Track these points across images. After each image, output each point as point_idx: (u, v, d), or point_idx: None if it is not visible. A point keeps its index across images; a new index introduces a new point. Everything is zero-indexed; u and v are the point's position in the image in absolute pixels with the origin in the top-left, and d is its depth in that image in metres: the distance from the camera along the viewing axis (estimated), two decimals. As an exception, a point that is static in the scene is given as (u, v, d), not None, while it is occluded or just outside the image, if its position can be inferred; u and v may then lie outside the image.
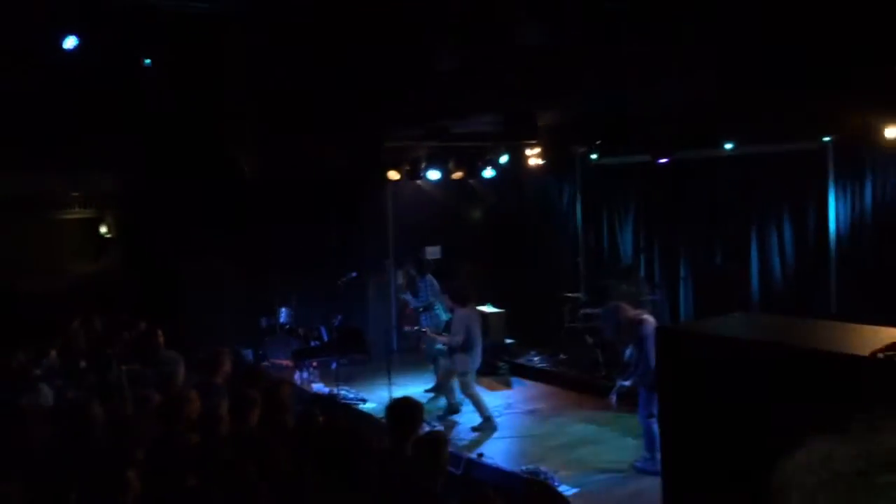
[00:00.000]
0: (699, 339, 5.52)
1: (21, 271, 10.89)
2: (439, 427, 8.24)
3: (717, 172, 9.66)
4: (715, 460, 5.32)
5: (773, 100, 7.78)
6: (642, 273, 10.55)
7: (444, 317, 10.11)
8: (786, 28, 6.41)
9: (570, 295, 10.89)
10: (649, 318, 7.23)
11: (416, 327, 10.20)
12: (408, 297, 10.46)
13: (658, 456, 6.93)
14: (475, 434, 8.45)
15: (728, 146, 8.96)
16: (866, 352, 4.30)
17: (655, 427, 6.62)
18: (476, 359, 8.77)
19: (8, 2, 6.47)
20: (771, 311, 9.08)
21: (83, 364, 7.70)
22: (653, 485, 6.64)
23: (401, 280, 10.58)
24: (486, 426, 8.59)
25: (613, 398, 7.52)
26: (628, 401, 9.16)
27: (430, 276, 10.28)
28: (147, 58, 7.92)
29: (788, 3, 6.09)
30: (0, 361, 7.40)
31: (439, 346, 9.59)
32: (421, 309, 10.23)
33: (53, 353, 7.67)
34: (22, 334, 8.73)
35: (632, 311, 7.34)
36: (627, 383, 7.28)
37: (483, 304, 11.12)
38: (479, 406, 8.69)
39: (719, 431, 5.29)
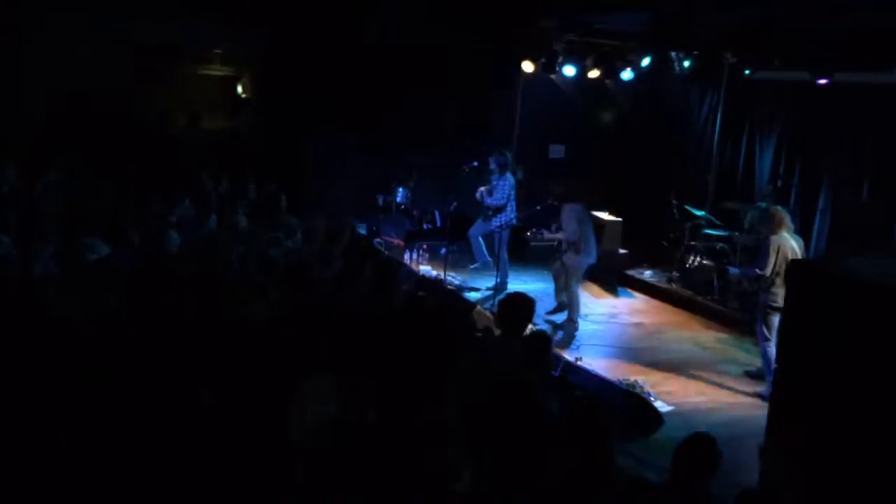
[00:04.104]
0: (836, 279, 5.18)
1: (159, 120, 11.39)
2: (544, 325, 8.24)
3: (880, 101, 8.79)
4: (829, 403, 5.09)
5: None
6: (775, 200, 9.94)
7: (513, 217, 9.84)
8: None
9: (694, 212, 10.43)
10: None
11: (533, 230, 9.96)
12: (482, 194, 10.03)
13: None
14: (577, 338, 8.39)
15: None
16: None
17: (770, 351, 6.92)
18: (586, 258, 8.55)
19: None
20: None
21: (212, 217, 8.07)
22: (751, 414, 6.49)
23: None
24: (567, 326, 8.50)
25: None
26: (735, 328, 8.89)
27: (509, 175, 9.89)
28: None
29: None
30: (138, 206, 7.87)
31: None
32: (490, 211, 9.89)
33: (187, 201, 8.06)
34: (157, 180, 9.23)
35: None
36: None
37: (600, 211, 10.85)
38: (571, 306, 8.59)
39: (839, 375, 5.03)
